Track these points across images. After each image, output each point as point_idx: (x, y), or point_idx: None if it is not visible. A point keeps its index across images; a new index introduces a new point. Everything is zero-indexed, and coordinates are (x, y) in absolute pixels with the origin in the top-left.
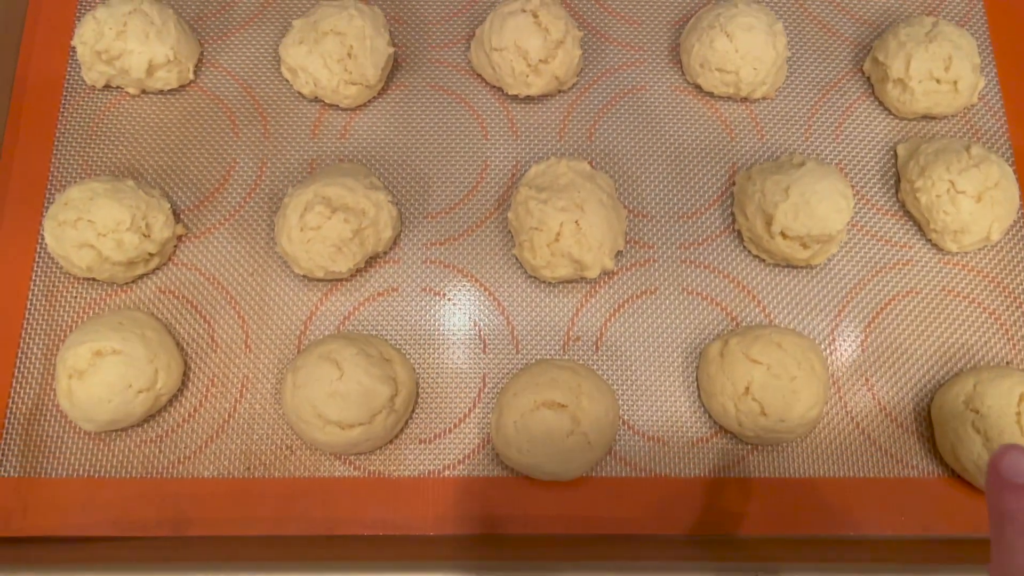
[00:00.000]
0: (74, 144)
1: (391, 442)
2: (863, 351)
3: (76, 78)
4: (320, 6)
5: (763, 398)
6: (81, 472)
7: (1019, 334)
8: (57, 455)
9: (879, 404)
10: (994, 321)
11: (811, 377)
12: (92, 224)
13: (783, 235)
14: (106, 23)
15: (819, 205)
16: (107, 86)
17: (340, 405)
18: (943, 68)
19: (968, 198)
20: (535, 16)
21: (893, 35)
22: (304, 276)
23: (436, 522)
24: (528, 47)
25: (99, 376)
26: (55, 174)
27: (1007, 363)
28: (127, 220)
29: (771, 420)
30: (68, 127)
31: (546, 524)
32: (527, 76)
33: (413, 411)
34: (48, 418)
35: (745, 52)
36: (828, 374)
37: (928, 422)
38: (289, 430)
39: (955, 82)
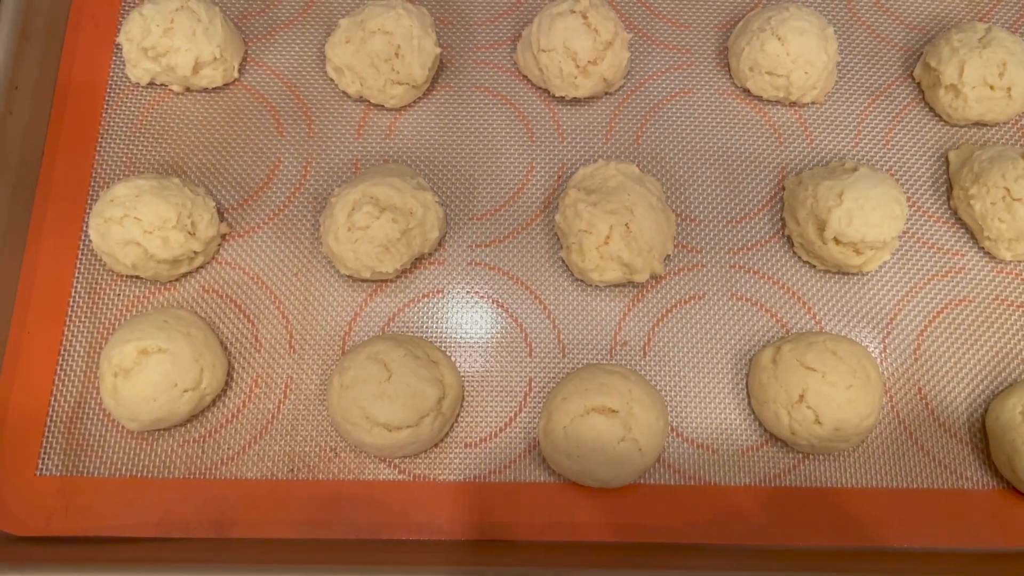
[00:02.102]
0: (118, 141)
1: (436, 445)
2: (915, 360)
3: (120, 75)
4: (367, 5)
5: (818, 406)
6: (123, 472)
7: None
8: (100, 454)
9: (932, 414)
10: None
11: (867, 385)
12: (138, 221)
13: (836, 241)
14: (153, 20)
15: (874, 211)
16: (151, 83)
17: (388, 407)
18: (997, 74)
19: None
20: (584, 17)
21: (946, 41)
22: (349, 276)
23: (481, 527)
24: (577, 48)
25: (145, 375)
26: (98, 171)
27: None
28: (173, 218)
29: (826, 429)
30: (112, 124)
31: (593, 531)
32: (575, 77)
33: (459, 415)
34: (91, 417)
35: (797, 55)
36: (882, 382)
37: (982, 433)
38: (333, 432)
39: (1009, 89)
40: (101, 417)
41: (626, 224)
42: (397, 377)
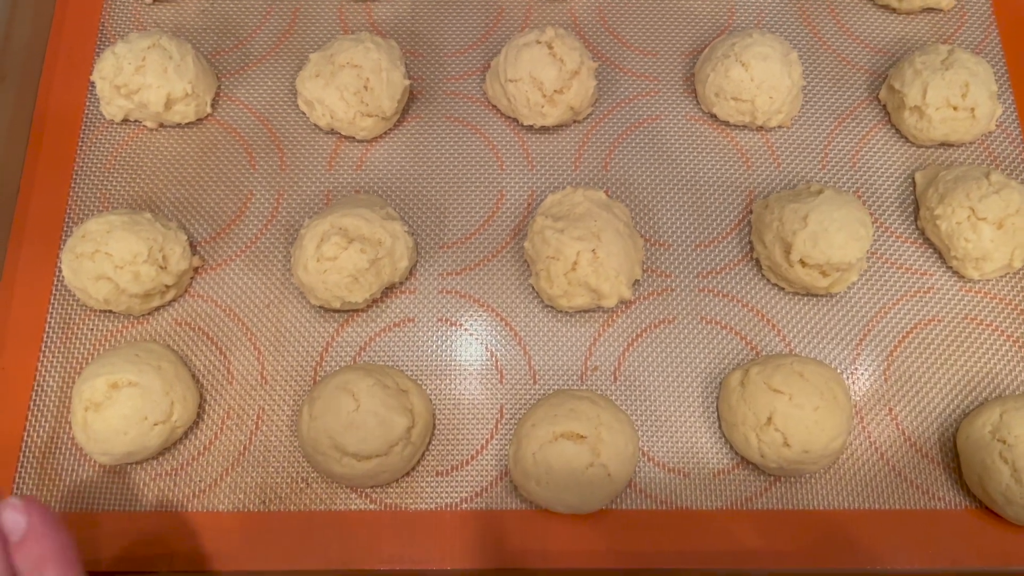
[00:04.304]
0: (92, 178)
1: (408, 474)
2: (885, 380)
3: (95, 112)
4: (337, 40)
5: (786, 428)
6: (95, 506)
7: None
8: (72, 488)
9: (903, 434)
10: (1019, 349)
11: (834, 407)
12: (109, 256)
13: (802, 263)
14: (125, 58)
15: (838, 233)
16: (125, 120)
17: (357, 436)
18: (960, 95)
19: (989, 225)
20: (550, 47)
21: (909, 63)
22: (320, 307)
23: (453, 556)
24: (543, 78)
25: (115, 408)
26: (73, 207)
27: None
28: (144, 252)
29: (794, 451)
30: (86, 161)
31: (565, 558)
32: (542, 107)
33: (430, 443)
34: (63, 451)
35: (760, 81)
36: (851, 404)
37: (954, 452)
38: (305, 463)
39: (972, 109)
40: (73, 451)
41: (593, 250)
42: (365, 407)
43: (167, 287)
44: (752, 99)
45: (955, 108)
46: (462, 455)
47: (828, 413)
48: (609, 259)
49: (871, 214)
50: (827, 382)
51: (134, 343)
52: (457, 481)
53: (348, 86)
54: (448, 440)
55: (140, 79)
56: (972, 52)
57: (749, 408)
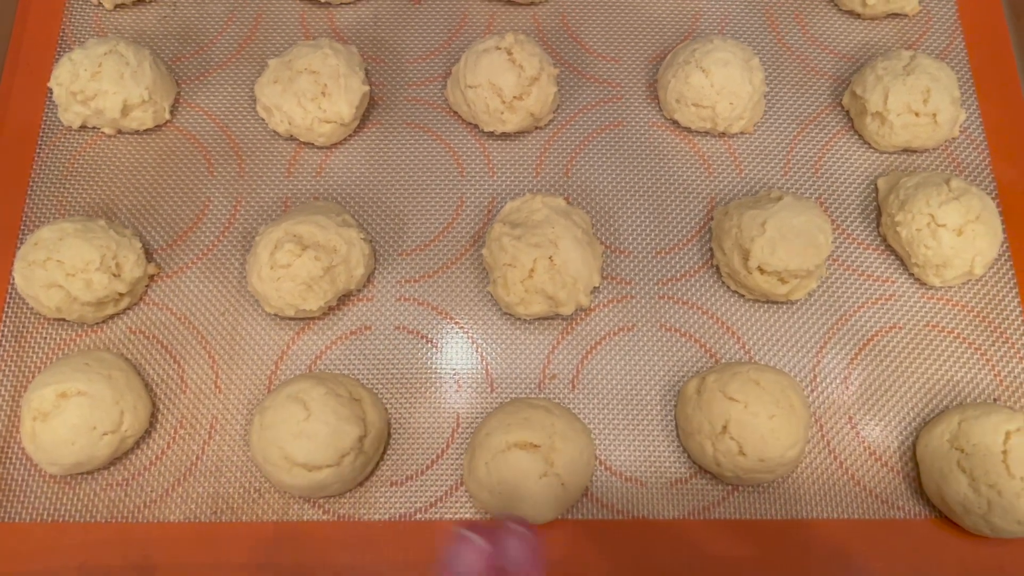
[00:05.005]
0: (49, 185)
1: (361, 484)
2: (846, 388)
3: (53, 119)
4: (296, 46)
5: (741, 437)
6: (45, 517)
7: (1005, 370)
8: (22, 499)
9: (863, 443)
10: (980, 356)
11: (790, 415)
12: (61, 264)
13: (760, 270)
14: (81, 64)
15: (796, 240)
16: (83, 127)
17: (307, 446)
18: (921, 101)
19: (949, 231)
20: (509, 53)
21: (871, 69)
22: (275, 315)
23: (408, 567)
24: (502, 84)
25: (63, 418)
26: (29, 215)
27: (994, 400)
28: (96, 260)
29: (750, 459)
30: (44, 168)
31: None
32: (502, 113)
33: (384, 452)
34: (13, 461)
35: (721, 87)
36: (809, 412)
37: (914, 461)
38: (258, 473)
39: (934, 115)
40: (24, 461)
41: (550, 257)
42: (316, 416)
43: (121, 295)
44: (713, 105)
45: (917, 114)
46: (418, 465)
47: (784, 421)
48: (566, 266)
49: (833, 221)
50: (783, 390)
51: (85, 352)
52: (412, 491)
53: (305, 92)
54: (404, 450)
55: (96, 85)
56: (936, 58)
57: (705, 416)
